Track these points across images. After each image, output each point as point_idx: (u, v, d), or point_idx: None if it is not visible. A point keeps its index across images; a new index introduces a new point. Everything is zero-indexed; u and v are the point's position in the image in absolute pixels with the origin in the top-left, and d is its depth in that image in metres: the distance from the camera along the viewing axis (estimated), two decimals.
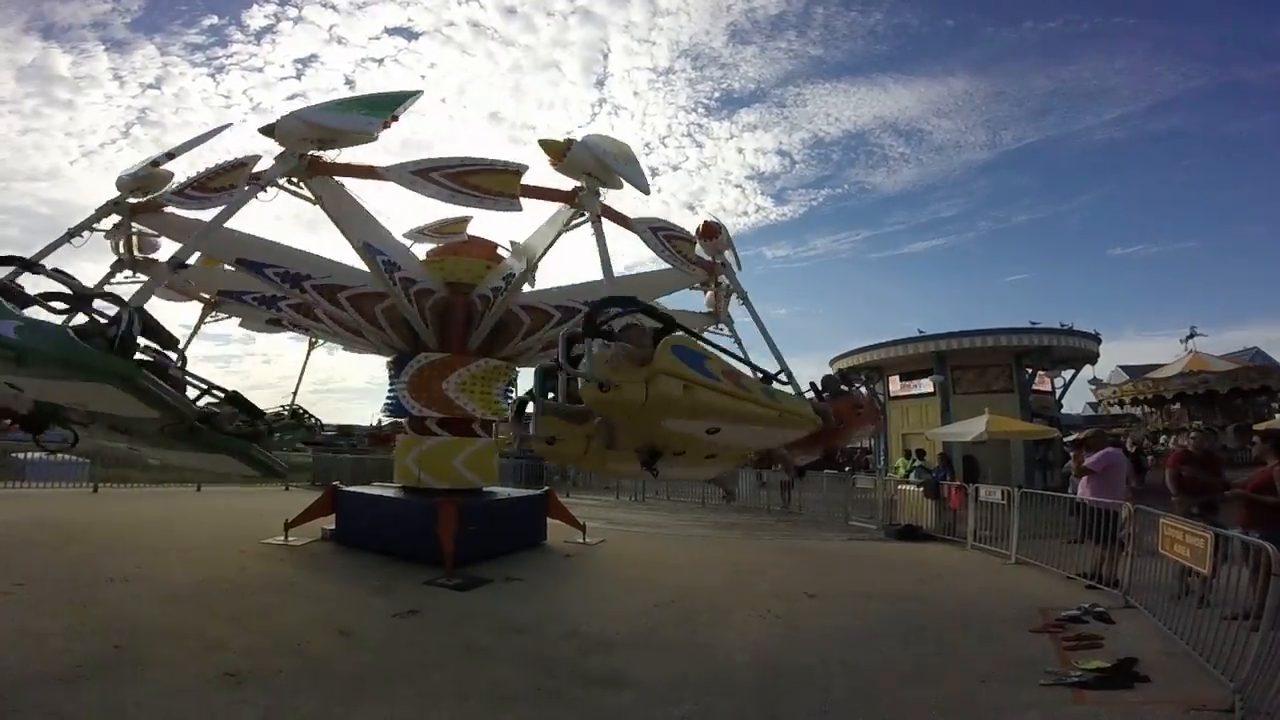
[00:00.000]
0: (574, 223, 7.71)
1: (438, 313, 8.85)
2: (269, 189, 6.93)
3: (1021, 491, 9.34)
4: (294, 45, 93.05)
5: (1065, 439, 17.23)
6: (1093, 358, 21.45)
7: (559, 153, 7.32)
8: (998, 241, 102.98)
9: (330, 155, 7.20)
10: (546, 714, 4.03)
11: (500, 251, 9.68)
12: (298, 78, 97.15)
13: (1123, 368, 29.66)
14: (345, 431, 15.75)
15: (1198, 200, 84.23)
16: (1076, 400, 31.27)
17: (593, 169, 7.41)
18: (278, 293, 8.85)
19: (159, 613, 5.57)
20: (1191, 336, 25.61)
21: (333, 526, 9.31)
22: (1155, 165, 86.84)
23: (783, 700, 4.28)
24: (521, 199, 7.23)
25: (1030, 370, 20.03)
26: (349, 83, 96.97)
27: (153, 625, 5.23)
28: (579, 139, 7.48)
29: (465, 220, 9.51)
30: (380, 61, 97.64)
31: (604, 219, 7.54)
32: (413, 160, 7.10)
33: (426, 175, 6.96)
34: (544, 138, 7.44)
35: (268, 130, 6.99)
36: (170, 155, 7.85)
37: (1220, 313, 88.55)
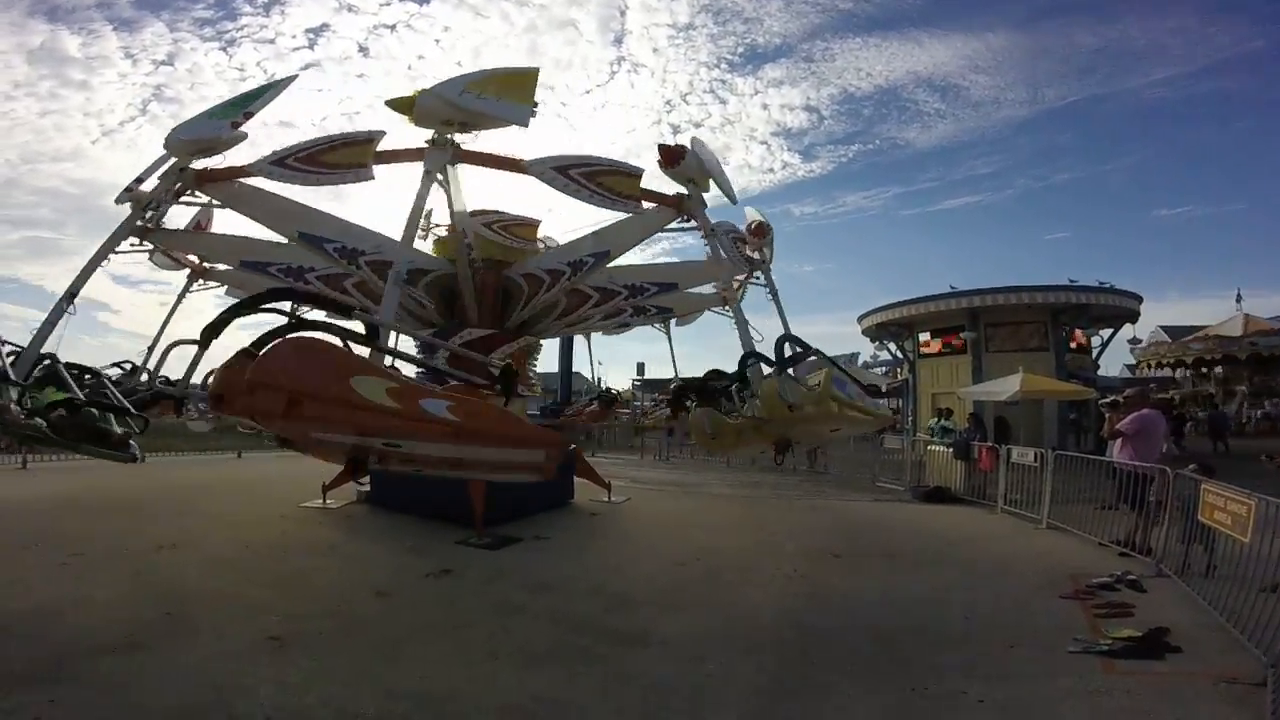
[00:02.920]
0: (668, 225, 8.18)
1: (436, 291, 9.11)
2: (149, 210, 7.20)
3: (1055, 454, 9.15)
4: (304, 15, 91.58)
5: (1100, 400, 16.84)
6: (1133, 316, 20.75)
7: (673, 158, 7.76)
8: (1037, 200, 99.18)
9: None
10: (574, 672, 4.14)
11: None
12: (310, 48, 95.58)
13: (1164, 328, 28.76)
14: None
15: (1250, 162, 79.59)
16: (1114, 361, 30.46)
17: (695, 175, 7.75)
18: (338, 269, 8.84)
19: (206, 579, 5.81)
20: (1239, 299, 24.88)
21: (368, 488, 9.57)
22: (1206, 126, 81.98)
23: (808, 661, 4.32)
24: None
25: (1067, 328, 19.45)
26: (362, 50, 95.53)
27: (200, 591, 5.46)
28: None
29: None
30: (393, 28, 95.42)
31: (477, 164, 7.61)
32: (276, 151, 7.25)
33: (283, 163, 7.11)
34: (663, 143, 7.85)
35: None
36: (249, 114, 7.43)
37: (1273, 275, 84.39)
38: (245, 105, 7.19)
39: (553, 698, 3.76)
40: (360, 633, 4.70)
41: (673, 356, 13.65)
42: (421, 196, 7.03)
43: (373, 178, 7.20)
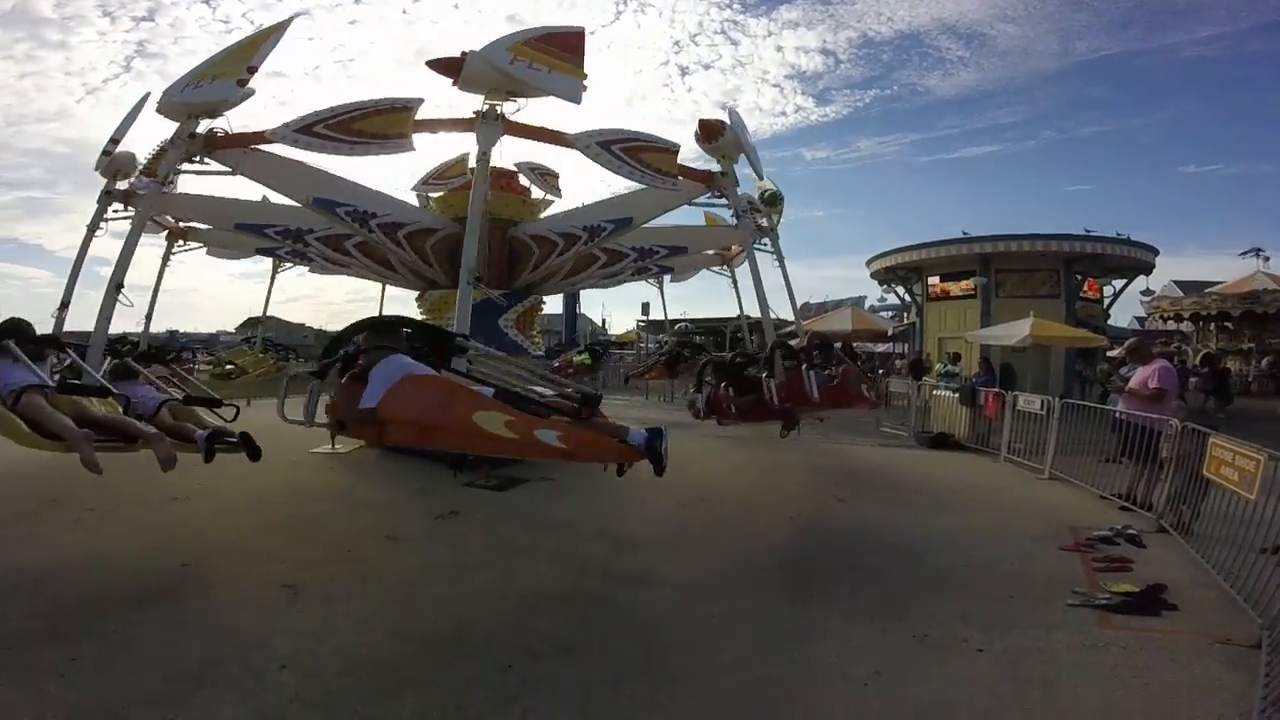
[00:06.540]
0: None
1: (443, 251, 8.97)
2: (168, 184, 6.93)
3: (1063, 402, 9.08)
4: None
5: (1108, 352, 16.73)
6: (1147, 268, 20.37)
7: (713, 133, 7.21)
8: (1060, 151, 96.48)
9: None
10: (581, 613, 4.25)
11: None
12: None
13: (1176, 283, 28.40)
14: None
15: None
16: (1124, 313, 30.26)
17: (730, 150, 7.53)
18: (347, 230, 8.73)
19: (219, 528, 5.86)
20: (1255, 254, 24.68)
21: None
22: (1246, 87, 78.38)
23: (811, 603, 4.40)
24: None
25: (1080, 277, 19.15)
26: None
27: (214, 541, 5.53)
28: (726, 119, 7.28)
29: (463, 159, 9.40)
30: None
31: (523, 138, 7.27)
32: (301, 117, 6.62)
33: (310, 131, 6.55)
34: (705, 118, 7.45)
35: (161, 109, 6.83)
36: (252, 69, 6.81)
37: None
38: (247, 60, 6.66)
39: (560, 639, 3.83)
40: (372, 577, 4.80)
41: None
42: (481, 180, 6.75)
43: (413, 149, 6.79)
